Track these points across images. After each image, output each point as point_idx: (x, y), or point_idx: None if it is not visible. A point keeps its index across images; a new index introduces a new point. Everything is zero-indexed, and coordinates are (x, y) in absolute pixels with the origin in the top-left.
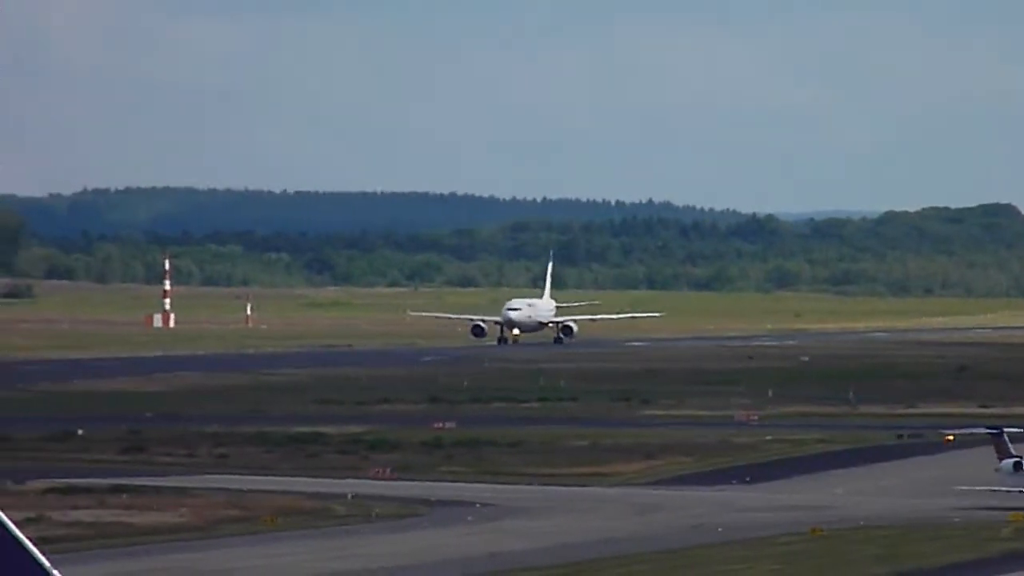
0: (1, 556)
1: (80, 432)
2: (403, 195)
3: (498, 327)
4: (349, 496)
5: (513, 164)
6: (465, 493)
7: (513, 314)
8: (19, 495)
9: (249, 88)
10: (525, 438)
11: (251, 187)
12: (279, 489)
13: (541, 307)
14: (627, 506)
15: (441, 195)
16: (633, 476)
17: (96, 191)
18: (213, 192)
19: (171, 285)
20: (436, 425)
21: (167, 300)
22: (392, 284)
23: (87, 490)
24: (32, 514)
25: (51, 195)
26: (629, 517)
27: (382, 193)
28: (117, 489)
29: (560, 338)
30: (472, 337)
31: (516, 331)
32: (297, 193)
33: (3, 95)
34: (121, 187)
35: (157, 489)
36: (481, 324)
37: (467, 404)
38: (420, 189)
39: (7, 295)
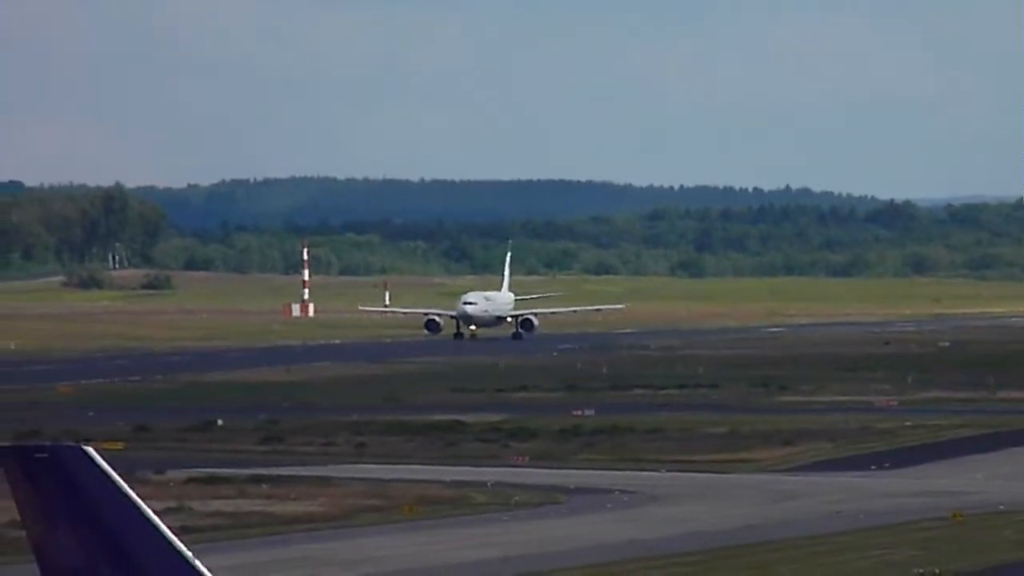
0: (144, 546)
1: (219, 422)
2: (540, 183)
3: (454, 322)
4: (488, 484)
5: (650, 151)
6: (604, 480)
7: (469, 308)
8: (160, 485)
9: (388, 77)
10: (664, 425)
11: (389, 176)
12: (417, 478)
13: (499, 300)
14: (766, 493)
15: (578, 182)
16: (772, 462)
17: (234, 181)
18: (351, 181)
19: (309, 275)
20: (574, 413)
21: (305, 290)
22: (530, 272)
23: (227, 480)
24: (173, 504)
25: (190, 186)
26: (768, 504)
27: (519, 181)
28: (257, 479)
29: (519, 333)
30: (426, 332)
31: (473, 326)
32: (435, 182)
33: (141, 87)
34: (259, 177)
35: (296, 478)
36: (436, 319)
37: (606, 391)
38: (556, 177)
39: (146, 286)
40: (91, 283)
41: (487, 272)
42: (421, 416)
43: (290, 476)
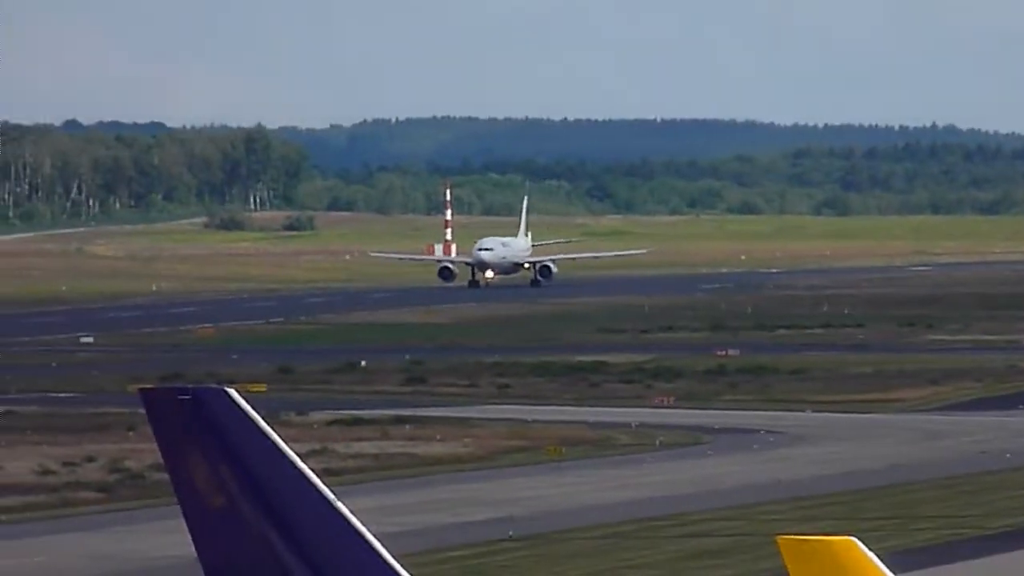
0: (286, 489)
1: (363, 363)
2: (683, 122)
3: (468, 270)
4: (632, 425)
5: (794, 89)
6: (749, 421)
7: (485, 255)
8: (303, 427)
9: (528, 16)
10: (809, 365)
11: (531, 116)
12: (561, 419)
13: (516, 247)
14: (912, 432)
15: (721, 121)
16: (918, 402)
17: (376, 122)
18: (493, 121)
19: (452, 215)
20: (719, 353)
21: (448, 230)
22: (673, 212)
23: (370, 421)
24: (316, 446)
25: (332, 126)
26: (914, 443)
27: (661, 120)
28: (400, 420)
29: (537, 280)
30: (440, 280)
31: (489, 273)
32: (577, 121)
33: (282, 28)
34: (401, 117)
35: (440, 420)
36: (449, 266)
37: (750, 331)
38: (700, 116)
39: (288, 227)
40: (232, 224)
41: (630, 212)
42: (565, 356)
43: (434, 417)
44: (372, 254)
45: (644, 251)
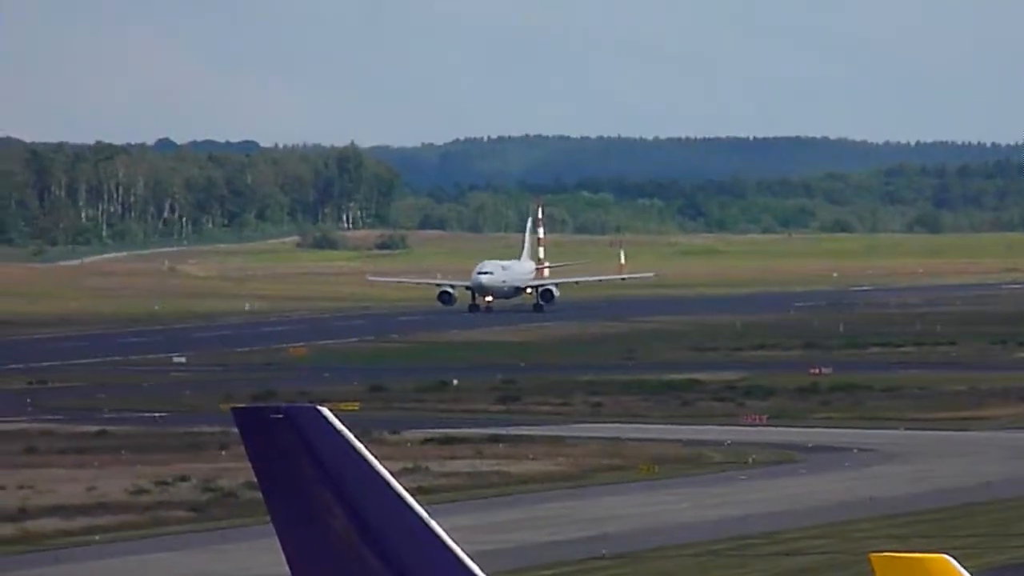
0: (379, 507)
1: (455, 382)
2: (775, 140)
3: (469, 293)
4: (725, 443)
5: (886, 107)
6: (842, 438)
7: (484, 278)
8: (396, 445)
9: (620, 35)
10: (902, 383)
11: (623, 134)
12: (654, 437)
13: (517, 270)
14: (1005, 450)
15: (813, 139)
16: (1011, 419)
17: (468, 140)
18: (585, 140)
19: (544, 233)
20: (812, 370)
21: (540, 248)
22: (766, 230)
23: (464, 440)
24: (410, 464)
25: (423, 145)
26: (1007, 461)
27: (753, 138)
28: (493, 439)
29: (540, 304)
30: (440, 304)
31: (489, 297)
32: (669, 139)
33: (376, 46)
34: (493, 136)
35: (533, 438)
36: (449, 290)
37: (843, 349)
38: (792, 133)
39: (381, 246)
40: (325, 243)
41: (722, 230)
42: (657, 375)
43: (527, 436)
44: (369, 278)
45: (651, 274)
